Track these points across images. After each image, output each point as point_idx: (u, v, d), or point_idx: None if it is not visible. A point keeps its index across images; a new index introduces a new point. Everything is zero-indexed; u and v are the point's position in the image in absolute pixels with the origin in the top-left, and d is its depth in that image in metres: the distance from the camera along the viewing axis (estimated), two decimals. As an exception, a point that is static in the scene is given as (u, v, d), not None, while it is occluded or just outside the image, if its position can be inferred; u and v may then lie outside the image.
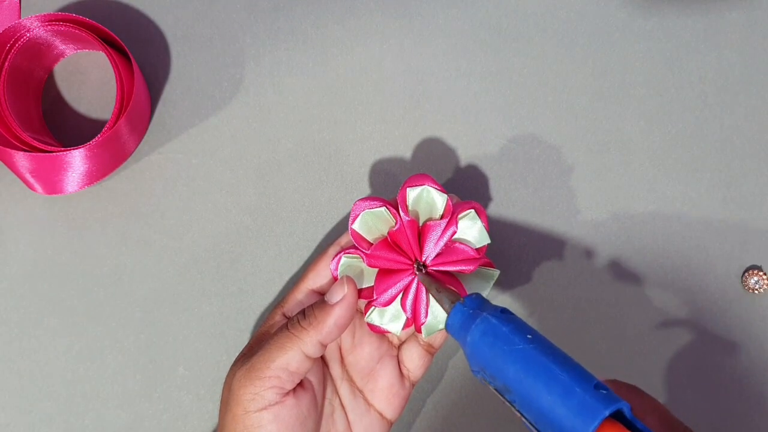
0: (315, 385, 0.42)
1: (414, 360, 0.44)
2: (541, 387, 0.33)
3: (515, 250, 0.49)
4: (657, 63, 0.50)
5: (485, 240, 0.43)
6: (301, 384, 0.41)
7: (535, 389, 0.33)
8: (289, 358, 0.39)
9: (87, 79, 0.50)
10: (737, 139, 0.49)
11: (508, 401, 0.35)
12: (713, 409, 0.48)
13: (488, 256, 0.45)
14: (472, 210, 0.43)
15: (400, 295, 0.42)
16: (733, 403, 0.48)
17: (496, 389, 0.35)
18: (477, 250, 0.43)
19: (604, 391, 0.33)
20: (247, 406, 0.39)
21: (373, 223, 0.43)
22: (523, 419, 0.34)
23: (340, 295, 0.40)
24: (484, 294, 0.43)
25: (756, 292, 0.48)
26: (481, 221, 0.43)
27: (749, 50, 0.50)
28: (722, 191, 0.49)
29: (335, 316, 0.40)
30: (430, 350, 0.44)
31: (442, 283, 0.40)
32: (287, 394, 0.40)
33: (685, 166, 0.49)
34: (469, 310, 0.37)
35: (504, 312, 0.37)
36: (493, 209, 0.49)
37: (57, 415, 0.48)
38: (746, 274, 0.48)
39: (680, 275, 0.49)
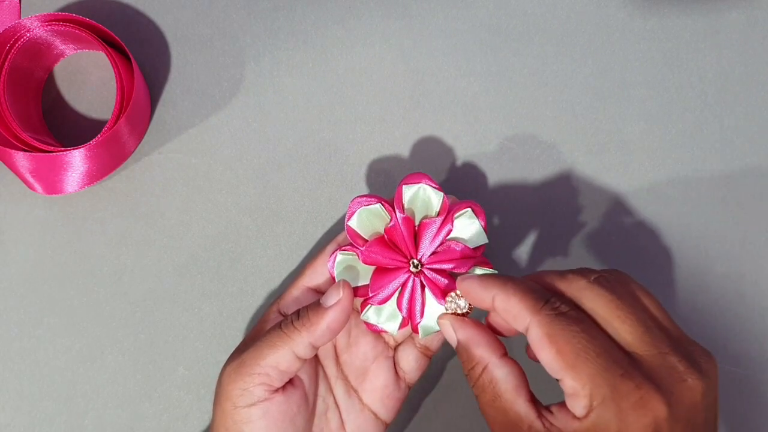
0: (306, 383, 0.42)
1: (410, 362, 0.44)
2: None
3: (515, 250, 0.49)
4: (657, 63, 0.50)
5: (482, 239, 0.42)
6: (291, 381, 0.41)
7: None
8: (279, 357, 0.39)
9: (87, 79, 0.50)
10: (737, 139, 0.49)
11: None
12: (713, 409, 0.48)
13: (487, 255, 0.44)
14: (469, 209, 0.42)
15: (396, 294, 0.42)
16: (733, 404, 0.48)
17: None
18: (474, 249, 0.43)
19: None
20: (236, 401, 0.39)
21: (369, 220, 0.42)
22: None
23: (335, 299, 0.40)
24: None
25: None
26: (479, 220, 0.42)
27: (749, 50, 0.50)
28: (722, 191, 0.49)
29: (328, 319, 0.40)
30: (427, 353, 0.44)
31: None
32: (276, 391, 0.40)
33: (685, 166, 0.49)
34: None
35: None
36: (493, 209, 0.49)
37: (57, 415, 0.48)
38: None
39: (680, 275, 0.49)
